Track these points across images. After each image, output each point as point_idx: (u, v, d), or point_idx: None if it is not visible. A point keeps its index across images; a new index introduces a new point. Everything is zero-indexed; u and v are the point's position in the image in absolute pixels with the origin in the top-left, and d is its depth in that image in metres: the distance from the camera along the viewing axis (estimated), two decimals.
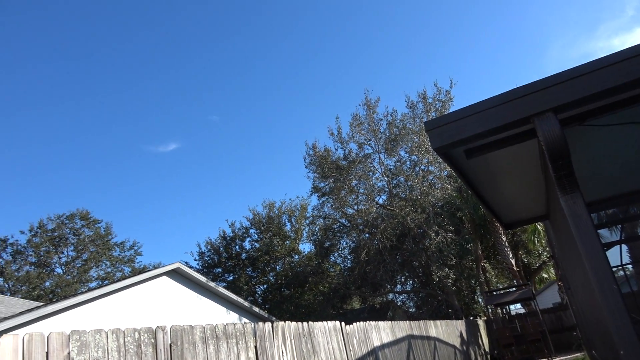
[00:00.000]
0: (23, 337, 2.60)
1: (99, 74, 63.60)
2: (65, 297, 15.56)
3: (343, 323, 7.09)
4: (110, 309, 13.91)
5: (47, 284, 38.82)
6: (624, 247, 6.27)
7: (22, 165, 60.68)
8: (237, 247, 35.12)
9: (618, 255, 6.13)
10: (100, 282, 40.90)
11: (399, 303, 32.70)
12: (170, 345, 3.67)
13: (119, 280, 15.64)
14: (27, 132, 60.97)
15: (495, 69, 73.97)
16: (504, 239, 24.73)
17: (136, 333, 3.37)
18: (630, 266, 6.29)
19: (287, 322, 5.54)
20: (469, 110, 3.22)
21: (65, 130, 64.01)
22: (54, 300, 30.84)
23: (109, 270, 42.74)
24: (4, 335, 2.53)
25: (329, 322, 6.65)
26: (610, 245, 6.13)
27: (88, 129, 65.24)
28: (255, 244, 35.00)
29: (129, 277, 16.79)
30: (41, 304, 17.87)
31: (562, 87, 2.97)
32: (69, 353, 2.83)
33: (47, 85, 61.89)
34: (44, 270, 39.56)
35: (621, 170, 5.26)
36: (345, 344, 6.83)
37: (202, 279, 18.19)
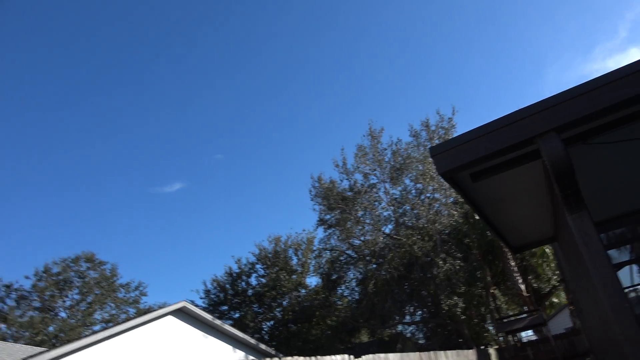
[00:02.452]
0: None
1: (103, 116, 64.54)
2: (69, 341, 15.30)
3: (352, 356, 6.95)
4: (115, 352, 13.65)
5: (51, 328, 38.18)
6: (635, 267, 6.15)
7: (28, 211, 60.86)
8: (243, 283, 34.65)
9: (629, 276, 6.00)
10: (104, 325, 40.28)
11: (409, 334, 32.07)
12: None
13: (123, 322, 15.41)
14: (32, 177, 61.45)
15: (494, 95, 74.83)
16: (513, 264, 24.40)
17: None
18: None
19: (294, 357, 5.44)
20: (472, 134, 3.24)
21: (70, 172, 64.49)
22: (57, 345, 30.37)
23: (114, 312, 42.11)
24: None
25: (337, 355, 6.53)
26: (621, 265, 6.00)
27: (92, 170, 65.74)
28: (262, 279, 34.55)
29: (134, 318, 16.55)
30: (44, 349, 17.58)
31: (563, 107, 2.99)
32: None
33: (51, 128, 62.76)
34: (48, 315, 39.01)
35: (628, 188, 5.23)
36: None
37: (208, 317, 17.93)
